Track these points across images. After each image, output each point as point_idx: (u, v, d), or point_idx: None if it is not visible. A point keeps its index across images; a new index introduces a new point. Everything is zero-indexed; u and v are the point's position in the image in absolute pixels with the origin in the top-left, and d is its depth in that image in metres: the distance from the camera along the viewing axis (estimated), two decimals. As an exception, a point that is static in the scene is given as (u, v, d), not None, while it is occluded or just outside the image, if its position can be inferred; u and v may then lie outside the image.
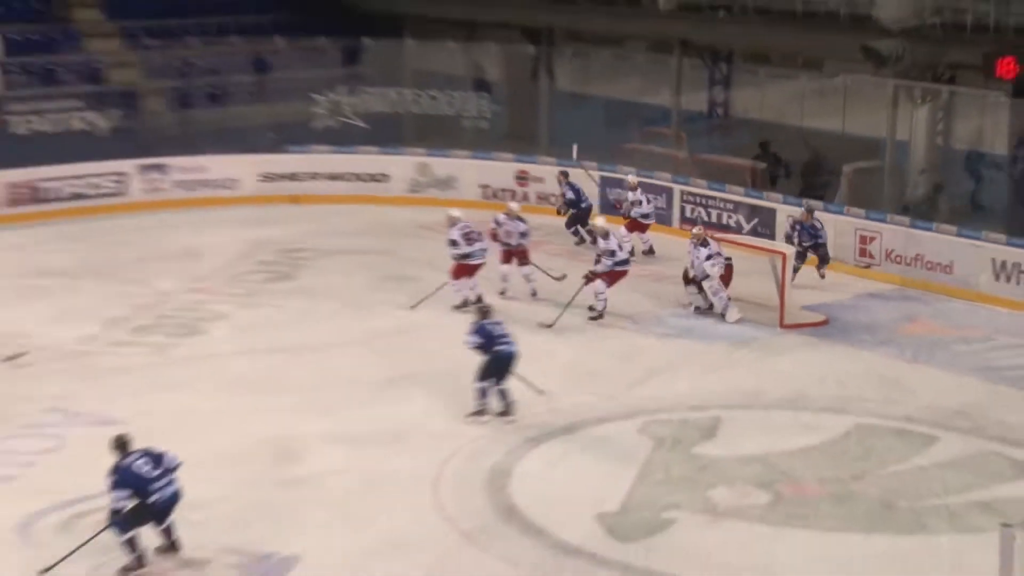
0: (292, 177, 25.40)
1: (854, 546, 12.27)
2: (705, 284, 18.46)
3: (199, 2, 28.41)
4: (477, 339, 14.96)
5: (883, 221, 20.80)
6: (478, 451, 14.19)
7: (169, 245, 22.25)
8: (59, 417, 14.81)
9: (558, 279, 19.16)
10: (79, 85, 25.93)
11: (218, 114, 26.90)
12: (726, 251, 18.64)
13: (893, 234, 20.52)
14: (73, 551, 11.53)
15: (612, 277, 18.38)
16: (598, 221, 19.11)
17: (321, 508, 12.89)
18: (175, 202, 24.63)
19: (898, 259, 20.40)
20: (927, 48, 21.59)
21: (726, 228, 21.87)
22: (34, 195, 23.88)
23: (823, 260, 19.90)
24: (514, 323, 15.89)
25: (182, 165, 24.92)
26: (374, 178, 25.47)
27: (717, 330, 18.18)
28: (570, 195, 22.43)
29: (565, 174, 22.79)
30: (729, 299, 18.39)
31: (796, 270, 19.28)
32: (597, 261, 18.39)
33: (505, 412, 14.94)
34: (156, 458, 11.61)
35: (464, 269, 18.77)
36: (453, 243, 18.68)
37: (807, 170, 24.08)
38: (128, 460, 11.50)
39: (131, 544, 11.51)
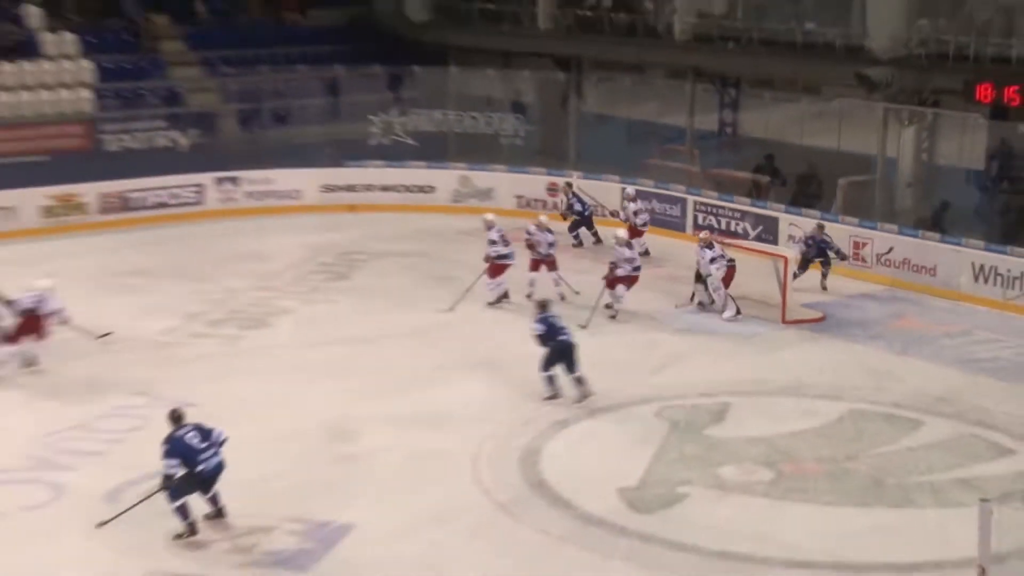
0: (349, 188, 25.39)
1: (847, 518, 12.22)
2: (708, 281, 18.41)
3: (269, 35, 28.49)
4: (541, 327, 14.92)
5: (874, 228, 20.70)
6: (512, 432, 14.15)
7: (240, 248, 22.28)
8: (145, 400, 14.82)
9: (576, 293, 18.98)
10: (163, 108, 25.99)
11: (284, 133, 26.94)
12: (729, 253, 18.56)
13: (883, 240, 20.38)
14: (128, 508, 11.62)
15: (630, 281, 18.31)
16: (620, 232, 18.97)
17: (372, 482, 12.87)
18: (245, 211, 24.66)
19: (888, 262, 20.25)
20: (914, 75, 21.57)
21: (734, 234, 21.80)
22: (123, 204, 23.98)
23: (827, 270, 19.84)
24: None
25: (252, 178, 24.97)
26: (421, 189, 25.45)
27: (725, 326, 18.07)
28: (578, 207, 22.44)
29: (569, 184, 23.01)
30: (729, 297, 18.27)
31: (796, 275, 19.18)
32: (614, 267, 18.24)
33: (584, 396, 14.85)
34: (205, 433, 11.57)
35: (500, 268, 18.73)
36: (493, 243, 18.66)
37: (802, 181, 24.05)
38: (180, 432, 11.48)
39: (183, 511, 11.47)
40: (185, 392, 14.62)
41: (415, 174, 25.56)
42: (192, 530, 11.50)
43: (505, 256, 18.71)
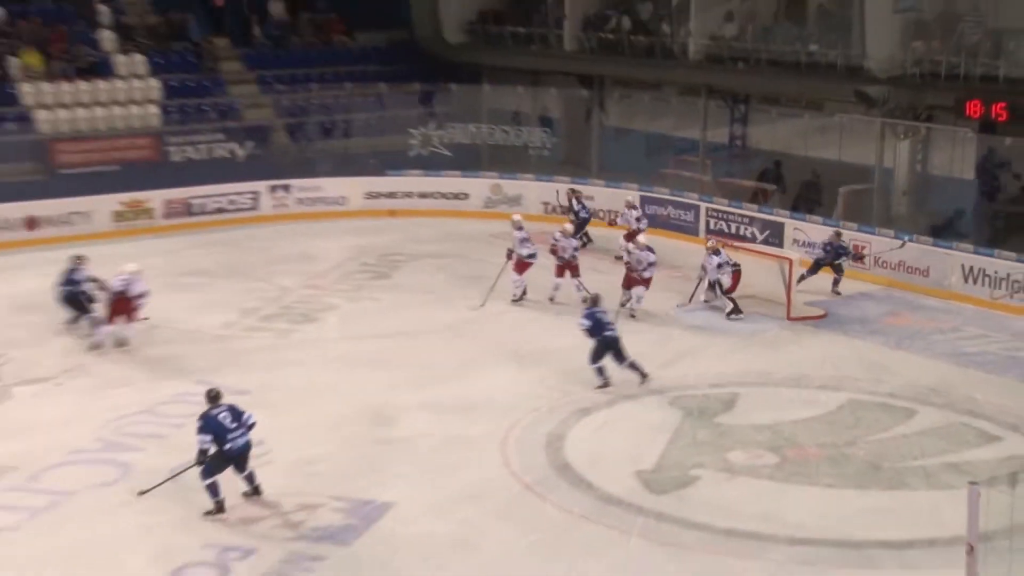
0: (390, 195, 25.34)
1: (847, 499, 12.15)
2: (717, 286, 18.26)
3: (318, 55, 28.55)
4: (588, 323, 14.85)
5: (872, 233, 20.53)
6: (538, 419, 14.10)
7: (291, 250, 22.29)
8: (204, 388, 14.78)
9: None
10: (222, 122, 26.05)
11: (331, 144, 26.98)
12: (735, 259, 18.41)
13: (880, 243, 20.21)
14: (166, 479, 11.72)
15: (650, 283, 18.20)
16: (641, 238, 18.82)
17: (410, 464, 12.86)
18: (296, 215, 24.67)
19: (884, 264, 20.09)
20: (909, 93, 21.46)
21: (743, 238, 21.71)
22: (186, 209, 24.06)
23: (839, 275, 19.58)
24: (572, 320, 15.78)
25: (302, 186, 24.99)
26: (456, 196, 25.39)
27: (735, 323, 17.92)
28: (584, 214, 22.28)
29: (574, 191, 23.00)
30: (732, 300, 18.10)
31: (804, 277, 19.02)
32: (631, 270, 18.10)
33: (643, 379, 14.88)
34: (237, 414, 11.54)
35: (525, 266, 18.70)
36: (525, 241, 18.64)
37: (803, 188, 23.94)
38: (215, 411, 11.47)
39: (213, 489, 11.44)
40: (240, 380, 14.68)
41: (450, 182, 25.54)
42: (220, 507, 11.44)
43: (533, 255, 18.72)
